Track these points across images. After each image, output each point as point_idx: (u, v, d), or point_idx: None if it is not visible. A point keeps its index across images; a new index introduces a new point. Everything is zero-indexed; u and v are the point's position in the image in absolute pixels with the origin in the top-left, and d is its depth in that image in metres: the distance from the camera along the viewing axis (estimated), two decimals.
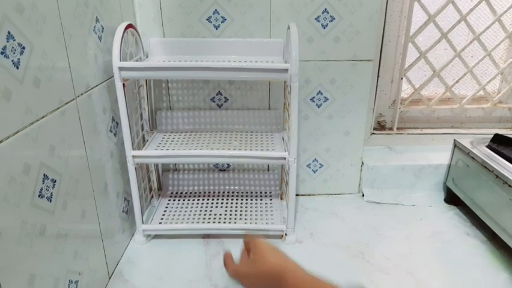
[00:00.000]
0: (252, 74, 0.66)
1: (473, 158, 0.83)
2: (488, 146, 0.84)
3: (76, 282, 0.56)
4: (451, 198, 0.91)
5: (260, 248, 0.54)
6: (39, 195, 0.47)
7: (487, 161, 0.78)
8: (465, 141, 0.87)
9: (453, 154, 0.91)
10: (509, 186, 0.72)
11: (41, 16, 0.48)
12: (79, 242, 0.58)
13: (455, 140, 0.90)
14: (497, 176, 0.75)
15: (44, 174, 0.48)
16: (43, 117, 0.48)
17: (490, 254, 0.75)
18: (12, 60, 0.42)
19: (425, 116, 1.04)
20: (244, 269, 0.55)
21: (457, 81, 0.97)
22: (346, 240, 0.79)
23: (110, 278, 0.70)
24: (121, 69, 0.64)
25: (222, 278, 0.70)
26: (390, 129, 1.01)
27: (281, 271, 0.50)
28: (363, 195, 0.95)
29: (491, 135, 0.85)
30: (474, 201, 0.82)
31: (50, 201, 0.50)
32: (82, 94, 0.58)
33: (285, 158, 0.72)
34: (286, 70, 0.65)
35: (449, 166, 0.92)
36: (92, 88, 0.62)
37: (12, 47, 0.42)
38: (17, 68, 0.43)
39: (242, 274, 0.55)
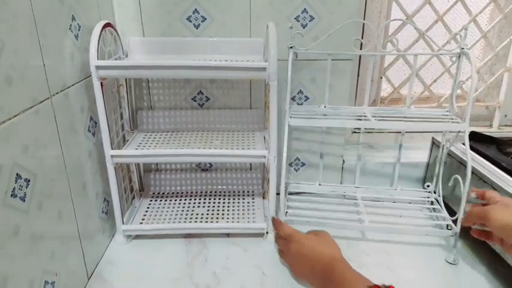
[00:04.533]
0: (230, 72, 0.66)
1: (451, 156, 0.85)
2: (469, 146, 0.86)
3: (53, 283, 0.56)
4: None
5: (326, 235, 0.67)
6: (11, 195, 0.46)
7: (463, 157, 0.80)
8: (442, 139, 0.89)
9: (431, 152, 0.93)
10: (484, 181, 0.74)
11: (12, 13, 0.47)
12: (55, 243, 0.57)
13: (433, 137, 0.92)
14: (473, 172, 0.77)
15: (17, 174, 0.47)
16: (16, 116, 0.48)
17: (467, 248, 0.77)
18: None
19: None
20: (302, 238, 0.67)
21: (435, 81, 0.99)
22: None
23: (89, 279, 0.69)
24: (98, 67, 0.64)
25: (203, 277, 0.70)
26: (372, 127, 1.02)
27: (334, 259, 0.61)
28: (346, 196, 0.95)
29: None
30: (453, 198, 0.84)
31: (24, 201, 0.49)
32: (57, 93, 0.58)
33: (265, 156, 0.73)
34: (264, 68, 0.65)
35: (428, 163, 0.94)
36: (68, 87, 0.61)
37: None
38: None
39: (297, 240, 0.67)
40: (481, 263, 0.74)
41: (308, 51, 0.79)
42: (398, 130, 0.98)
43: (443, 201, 0.85)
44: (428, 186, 0.91)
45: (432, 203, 0.88)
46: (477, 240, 0.70)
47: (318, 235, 0.69)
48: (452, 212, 0.79)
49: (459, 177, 0.75)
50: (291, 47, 0.77)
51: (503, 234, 0.57)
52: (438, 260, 0.74)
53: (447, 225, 0.79)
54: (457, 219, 0.74)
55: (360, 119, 0.80)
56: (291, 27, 0.76)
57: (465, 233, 0.79)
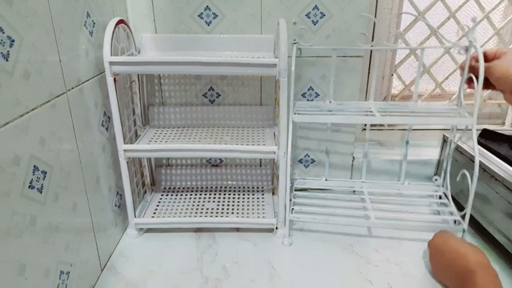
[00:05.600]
0: (241, 68, 0.67)
1: (462, 153, 0.84)
2: (477, 141, 0.85)
3: (68, 273, 0.57)
4: None
5: (468, 245, 0.63)
6: (29, 186, 0.48)
7: (474, 155, 0.79)
8: (451, 134, 0.88)
9: (442, 149, 0.92)
10: (496, 179, 0.73)
11: (31, 9, 0.48)
12: (70, 234, 0.58)
13: (444, 135, 0.91)
14: (484, 170, 0.76)
15: (35, 166, 0.49)
16: (33, 109, 0.49)
17: (478, 245, 0.77)
18: (1, 53, 0.43)
19: None
20: (448, 236, 0.66)
21: (447, 78, 0.98)
22: (336, 233, 0.81)
23: (102, 270, 0.70)
24: (111, 63, 0.65)
25: (213, 270, 0.71)
26: (381, 124, 1.02)
27: (479, 265, 0.56)
28: (354, 190, 0.96)
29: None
30: (462, 195, 0.83)
31: (41, 192, 0.50)
32: (72, 88, 0.59)
33: (274, 152, 0.73)
34: (274, 65, 0.66)
35: (439, 161, 0.93)
36: (83, 82, 0.63)
37: (1, 40, 0.43)
38: (7, 60, 0.44)
39: (440, 235, 0.67)
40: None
41: (312, 47, 0.79)
42: (404, 125, 0.98)
43: (452, 198, 0.85)
44: (436, 180, 0.91)
45: (440, 197, 0.88)
46: (485, 237, 0.70)
47: (465, 242, 0.65)
48: (461, 209, 0.79)
49: (466, 172, 0.74)
50: (295, 43, 0.78)
51: (496, 84, 0.65)
52: None
53: (455, 221, 0.79)
54: (465, 214, 0.74)
55: (366, 115, 0.80)
56: (294, 23, 0.77)
57: (473, 228, 0.80)
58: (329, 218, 0.79)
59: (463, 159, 0.83)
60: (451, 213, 0.81)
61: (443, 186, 0.89)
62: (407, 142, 0.91)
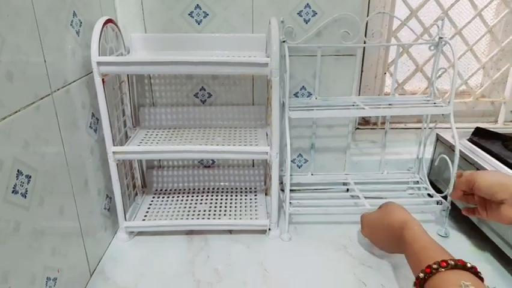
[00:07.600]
0: (232, 68, 0.66)
1: (454, 151, 0.84)
2: (470, 140, 0.85)
3: (55, 279, 0.56)
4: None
5: (389, 205, 0.70)
6: (13, 191, 0.46)
7: (468, 154, 0.79)
8: (447, 135, 0.88)
9: (435, 148, 0.92)
10: None
11: (13, 9, 0.47)
12: (57, 239, 0.57)
13: (437, 134, 0.91)
14: (477, 169, 0.76)
15: (18, 170, 0.47)
16: (16, 112, 0.47)
17: (473, 247, 0.76)
18: None
19: None
20: (366, 217, 0.74)
21: (439, 76, 0.98)
22: (330, 234, 0.80)
23: (91, 275, 0.69)
24: (99, 63, 0.64)
25: (205, 273, 0.70)
26: (375, 124, 1.01)
27: (403, 219, 0.64)
28: (347, 190, 0.95)
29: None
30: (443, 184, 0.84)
31: (25, 197, 0.49)
32: (58, 89, 0.57)
33: (267, 153, 0.72)
34: (266, 64, 0.65)
35: (432, 160, 0.93)
36: (70, 83, 0.61)
37: None
38: None
39: (363, 221, 0.74)
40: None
41: (299, 45, 0.80)
42: (397, 123, 1.00)
43: (434, 184, 0.90)
44: (410, 168, 0.97)
45: (418, 182, 0.93)
46: (478, 236, 0.71)
47: (382, 208, 0.72)
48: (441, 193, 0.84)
49: (446, 157, 0.79)
50: (284, 41, 0.78)
51: (490, 192, 0.61)
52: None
53: (437, 201, 0.82)
54: (446, 195, 0.80)
55: (356, 108, 0.82)
56: (282, 22, 0.77)
57: (466, 228, 0.82)
58: (327, 208, 0.82)
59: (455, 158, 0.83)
60: (432, 195, 0.86)
61: (422, 177, 0.93)
62: (386, 132, 0.93)
